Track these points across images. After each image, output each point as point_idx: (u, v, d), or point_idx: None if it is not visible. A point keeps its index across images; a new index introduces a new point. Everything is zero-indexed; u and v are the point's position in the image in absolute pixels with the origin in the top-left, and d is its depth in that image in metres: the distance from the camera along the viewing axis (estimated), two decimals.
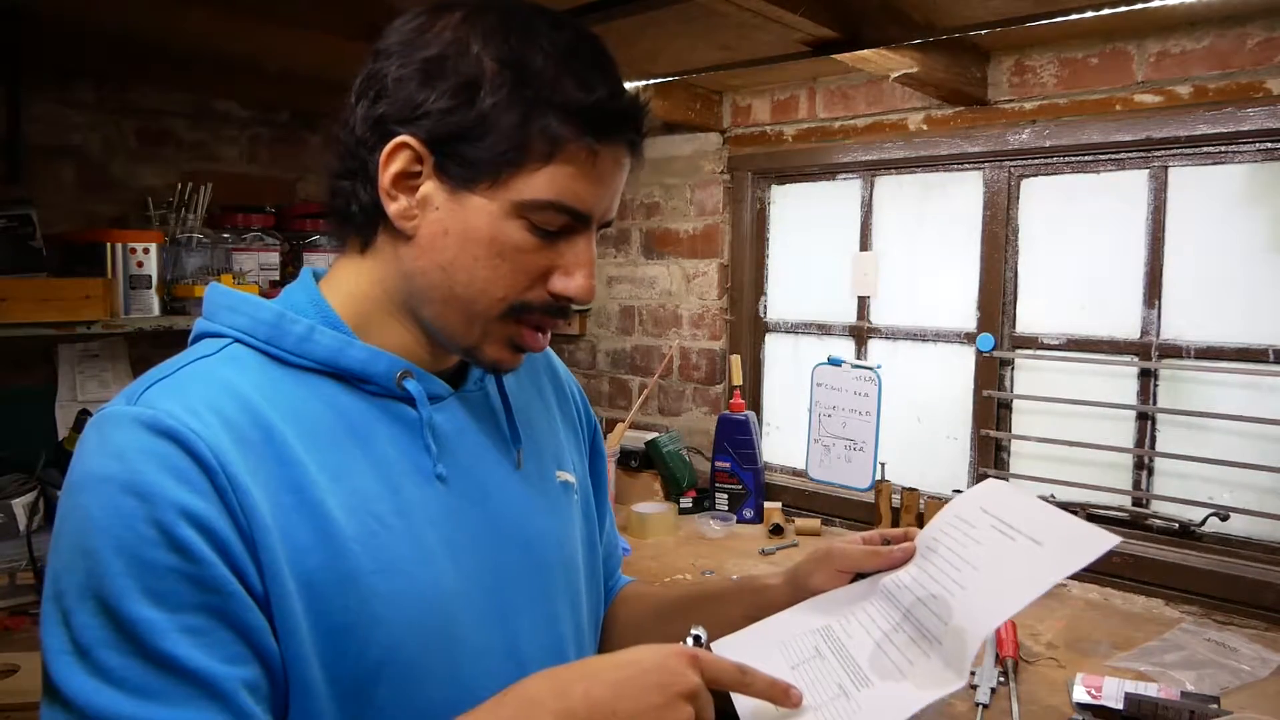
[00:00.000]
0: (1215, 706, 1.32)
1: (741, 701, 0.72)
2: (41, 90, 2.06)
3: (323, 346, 0.73)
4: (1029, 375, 2.12)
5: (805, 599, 0.87)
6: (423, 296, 0.74)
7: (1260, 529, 1.82)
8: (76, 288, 1.81)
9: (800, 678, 0.75)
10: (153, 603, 0.59)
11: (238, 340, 0.73)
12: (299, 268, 2.24)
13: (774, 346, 2.60)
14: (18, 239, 1.91)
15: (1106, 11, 1.52)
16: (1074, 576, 1.16)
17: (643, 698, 0.63)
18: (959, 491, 2.16)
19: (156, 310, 1.97)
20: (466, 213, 0.71)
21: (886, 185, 2.34)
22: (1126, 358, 1.95)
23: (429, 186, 0.72)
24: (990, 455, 2.15)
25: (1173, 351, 1.90)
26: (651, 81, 2.18)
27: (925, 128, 2.18)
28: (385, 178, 0.72)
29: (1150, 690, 1.36)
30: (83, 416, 1.95)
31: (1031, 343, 2.10)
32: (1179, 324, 1.90)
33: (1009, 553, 0.78)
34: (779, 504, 2.36)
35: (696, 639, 0.74)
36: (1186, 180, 1.88)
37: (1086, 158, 1.98)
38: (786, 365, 2.57)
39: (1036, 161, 2.05)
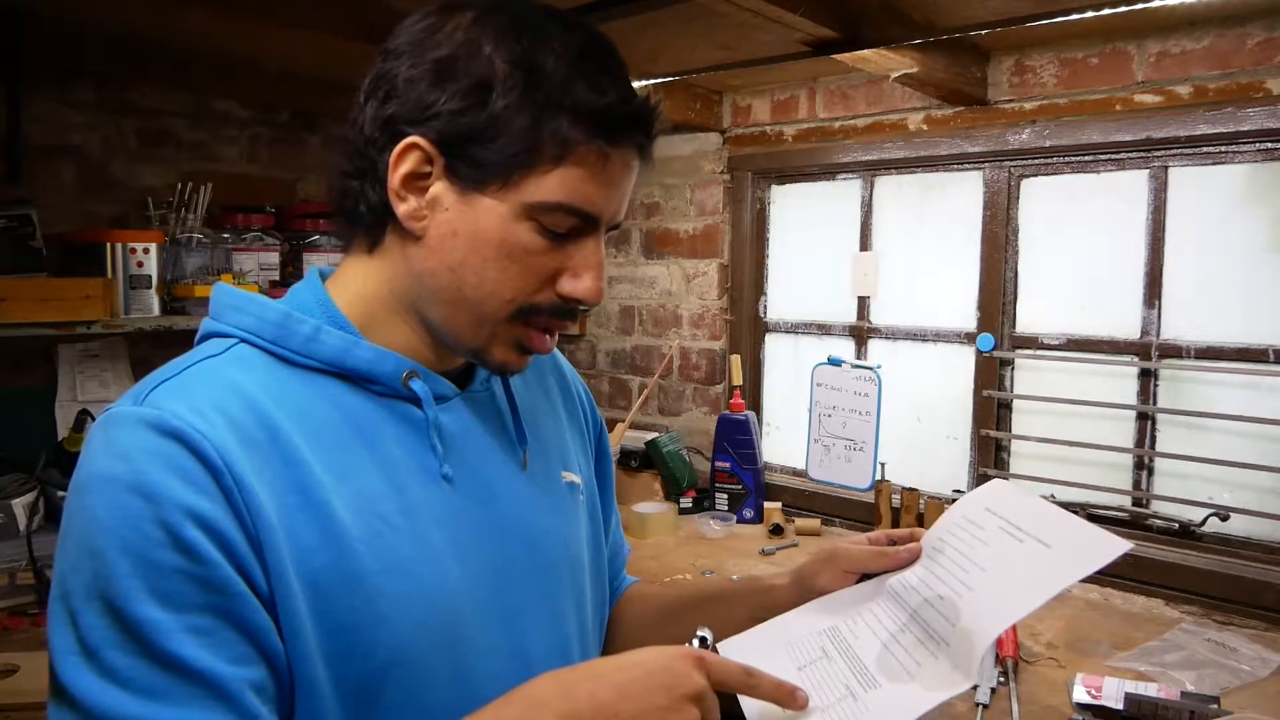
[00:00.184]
0: (1215, 706, 1.32)
1: (748, 703, 0.71)
2: (41, 90, 2.06)
3: (329, 347, 0.73)
4: (1029, 375, 2.12)
5: (811, 600, 0.87)
6: (431, 297, 0.74)
7: (1260, 529, 1.82)
8: (76, 288, 1.81)
9: (807, 679, 0.74)
10: (159, 603, 0.60)
11: (244, 340, 0.73)
12: (299, 268, 2.27)
13: (774, 346, 2.60)
14: (18, 239, 1.91)
15: (1106, 11, 1.52)
16: None
17: (648, 699, 0.63)
18: (959, 491, 2.17)
19: (156, 310, 1.97)
20: (476, 214, 0.71)
21: (886, 185, 2.34)
22: (1126, 358, 1.95)
23: (439, 187, 0.72)
24: (990, 455, 2.15)
25: (1173, 351, 1.90)
26: (651, 81, 2.18)
27: (925, 128, 2.18)
28: (395, 178, 0.71)
29: (1150, 690, 1.36)
30: (83, 416, 1.95)
31: (1031, 343, 2.10)
32: (1179, 324, 1.90)
33: (1017, 555, 0.78)
34: (779, 504, 2.36)
35: (703, 640, 0.74)
36: (1186, 180, 1.88)
37: (1086, 158, 1.98)
38: (786, 365, 2.57)
39: (1036, 161, 2.05)
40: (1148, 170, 1.91)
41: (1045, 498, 2.00)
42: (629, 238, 2.77)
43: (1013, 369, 2.14)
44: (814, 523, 2.31)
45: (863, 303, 2.39)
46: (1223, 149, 1.81)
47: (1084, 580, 0.75)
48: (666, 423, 2.73)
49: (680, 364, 2.69)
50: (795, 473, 2.52)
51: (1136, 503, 1.96)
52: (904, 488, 2.18)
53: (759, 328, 2.60)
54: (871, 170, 2.33)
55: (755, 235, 2.56)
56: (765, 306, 2.60)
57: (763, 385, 2.62)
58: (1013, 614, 0.73)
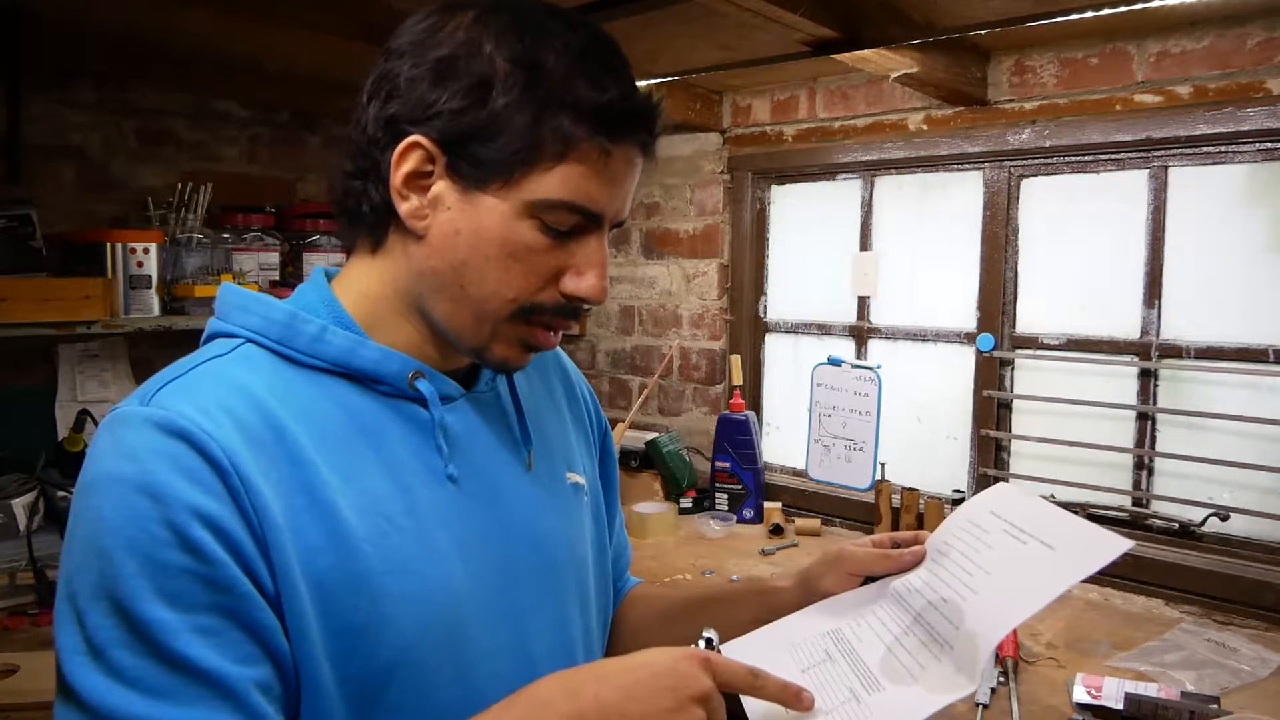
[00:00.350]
0: (1215, 706, 1.32)
1: (752, 704, 0.71)
2: (41, 90, 2.06)
3: (335, 347, 0.73)
4: (1029, 375, 2.12)
5: (815, 602, 0.87)
6: (434, 296, 0.74)
7: (1260, 529, 1.82)
8: (76, 288, 1.81)
9: (811, 681, 0.74)
10: (166, 603, 0.60)
11: (250, 340, 0.73)
12: (299, 268, 2.27)
13: (774, 346, 2.60)
14: (18, 239, 1.91)
15: (1106, 11, 1.52)
16: None
17: (654, 701, 0.63)
18: (959, 492, 2.17)
19: (156, 310, 1.97)
20: (478, 212, 0.71)
21: (886, 185, 2.34)
22: (1126, 358, 1.95)
23: (440, 186, 0.72)
24: (990, 455, 2.15)
25: (1173, 351, 1.90)
26: (651, 81, 2.18)
27: (925, 128, 2.18)
28: (397, 177, 0.71)
29: (1150, 690, 1.36)
30: (83, 416, 1.95)
31: (1031, 343, 2.10)
32: (1179, 324, 1.90)
33: (1021, 557, 0.78)
34: (779, 504, 2.36)
35: (708, 641, 0.74)
36: (1186, 180, 1.88)
37: (1086, 158, 1.98)
38: (786, 365, 2.57)
39: (1036, 161, 2.05)
40: (1148, 170, 1.91)
41: (1045, 498, 2.00)
42: (629, 238, 2.77)
43: (1013, 369, 2.14)
44: (814, 523, 2.31)
45: (863, 303, 2.39)
46: (1223, 149, 1.81)
47: (1084, 580, 0.75)
48: (666, 423, 2.73)
49: (680, 364, 2.69)
50: (795, 473, 2.52)
51: (1136, 503, 1.96)
52: (904, 488, 2.18)
53: (759, 328, 2.60)
54: (871, 170, 2.33)
55: (755, 235, 2.56)
56: (765, 306, 2.60)
57: (763, 385, 2.62)
58: (1017, 616, 0.73)
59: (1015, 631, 1.55)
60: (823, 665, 0.77)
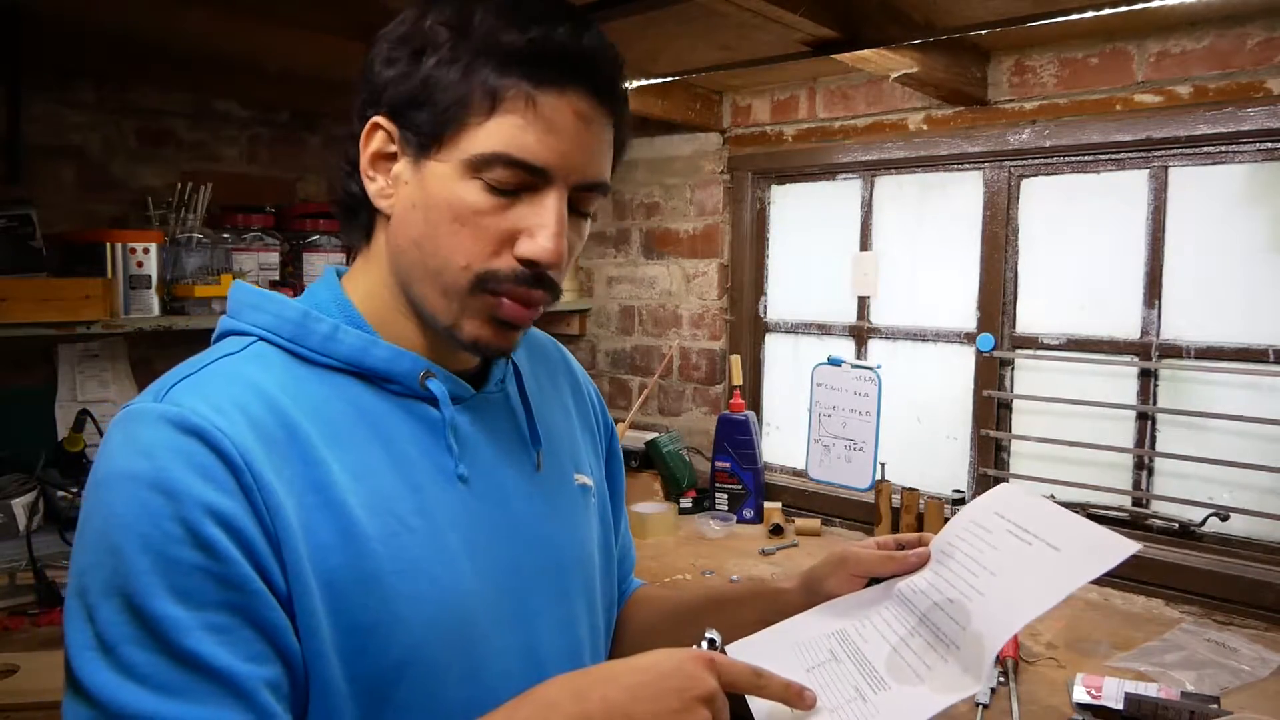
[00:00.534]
0: (1215, 706, 1.32)
1: (756, 704, 0.72)
2: (41, 90, 2.06)
3: (347, 346, 0.73)
4: (1029, 375, 2.12)
5: (820, 603, 0.87)
6: (407, 278, 0.74)
7: (1260, 529, 1.82)
8: (76, 288, 1.81)
9: (816, 680, 0.74)
10: (177, 600, 0.60)
11: (262, 339, 0.73)
12: (299, 268, 2.27)
13: (774, 346, 2.60)
14: (18, 239, 1.91)
15: (1106, 11, 1.52)
16: None
17: (660, 702, 0.63)
18: (959, 492, 2.17)
19: (156, 310, 1.97)
20: (426, 180, 0.71)
21: (886, 185, 2.34)
22: (1126, 358, 1.95)
23: (400, 163, 0.73)
24: (990, 455, 2.15)
25: (1173, 351, 1.90)
26: (651, 81, 2.18)
27: (925, 128, 2.18)
28: (364, 160, 0.73)
29: (1150, 690, 1.36)
30: (82, 416, 1.95)
31: (1031, 343, 2.10)
32: (1179, 324, 1.90)
33: (1026, 558, 0.78)
34: (779, 504, 2.36)
35: (711, 642, 0.74)
36: (1186, 180, 1.88)
37: (1086, 158, 1.98)
38: (786, 365, 2.57)
39: (1036, 161, 2.05)
40: (1148, 170, 1.91)
41: (1046, 498, 2.00)
42: (629, 238, 2.78)
43: (1013, 369, 2.14)
44: (814, 523, 2.31)
45: (863, 303, 2.39)
46: (1223, 149, 1.81)
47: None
48: (666, 423, 2.73)
49: (680, 364, 2.69)
50: (795, 473, 2.52)
51: (1136, 503, 1.96)
52: (904, 488, 2.18)
53: (759, 328, 2.60)
54: (871, 170, 2.33)
55: (755, 235, 2.56)
56: (765, 306, 2.60)
57: (763, 385, 2.62)
58: (1023, 617, 0.73)
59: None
60: (828, 665, 0.77)
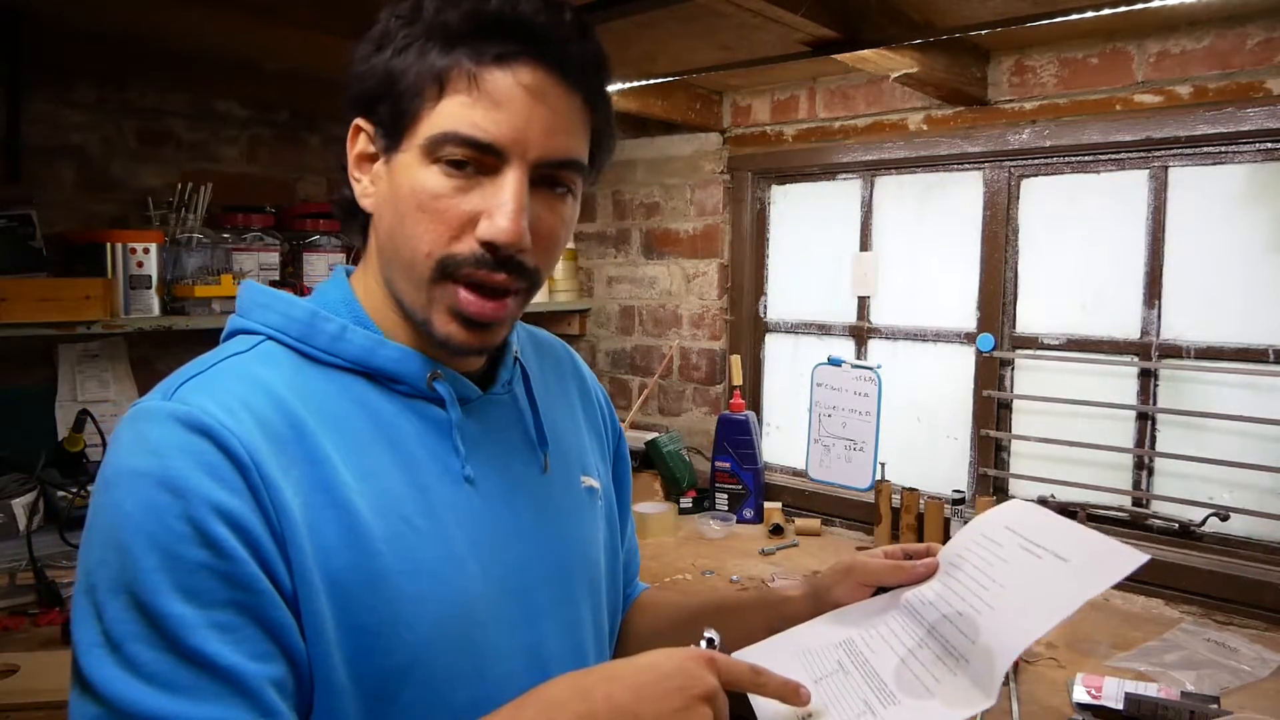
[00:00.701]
0: (1215, 706, 1.32)
1: (760, 704, 0.72)
2: (41, 90, 2.06)
3: (355, 346, 0.74)
4: (1029, 375, 2.12)
5: (826, 612, 0.87)
6: (390, 274, 0.75)
7: (1260, 529, 1.82)
8: (76, 288, 1.81)
9: (823, 691, 0.74)
10: (184, 598, 0.60)
11: (270, 338, 0.74)
12: (299, 268, 2.27)
13: (774, 346, 2.60)
14: (18, 239, 1.91)
15: (1106, 11, 1.52)
16: None
17: (663, 701, 0.64)
18: (959, 492, 2.16)
19: (156, 310, 1.97)
20: (394, 173, 0.72)
21: (886, 185, 2.34)
22: (1126, 358, 1.95)
23: (379, 162, 0.74)
24: (990, 455, 2.15)
25: (1173, 351, 1.90)
26: (651, 81, 2.18)
27: (925, 128, 2.18)
28: (350, 162, 0.75)
29: (1150, 690, 1.36)
30: (82, 416, 1.95)
31: (1031, 343, 2.10)
32: (1179, 324, 1.90)
33: (1036, 571, 0.77)
34: (779, 504, 2.36)
35: (710, 641, 0.74)
36: (1186, 180, 1.88)
37: (1086, 158, 1.98)
38: (786, 365, 2.57)
39: (1036, 161, 2.05)
40: (1148, 170, 1.91)
41: (1045, 498, 2.00)
42: (629, 238, 2.78)
43: (1013, 369, 2.14)
44: (814, 523, 2.31)
45: (863, 303, 2.39)
46: (1223, 149, 1.81)
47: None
48: (666, 423, 2.73)
49: (680, 364, 2.69)
50: (795, 473, 2.52)
51: (1136, 503, 1.96)
52: (904, 488, 2.18)
53: (759, 328, 2.60)
54: (871, 170, 2.33)
55: (755, 235, 2.56)
56: (765, 306, 2.60)
57: (763, 385, 2.62)
58: (1033, 631, 0.73)
59: None
60: (835, 676, 0.77)
